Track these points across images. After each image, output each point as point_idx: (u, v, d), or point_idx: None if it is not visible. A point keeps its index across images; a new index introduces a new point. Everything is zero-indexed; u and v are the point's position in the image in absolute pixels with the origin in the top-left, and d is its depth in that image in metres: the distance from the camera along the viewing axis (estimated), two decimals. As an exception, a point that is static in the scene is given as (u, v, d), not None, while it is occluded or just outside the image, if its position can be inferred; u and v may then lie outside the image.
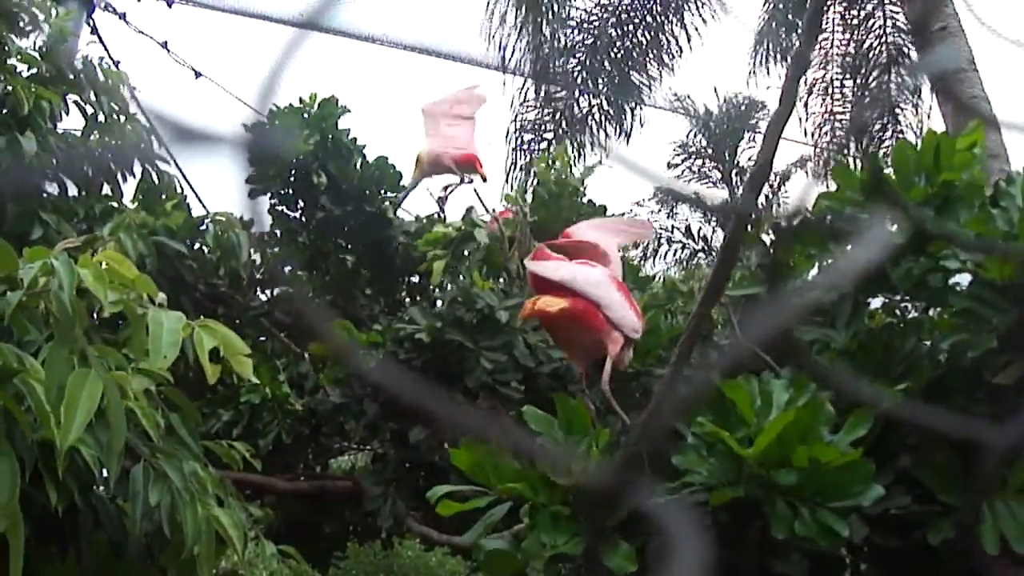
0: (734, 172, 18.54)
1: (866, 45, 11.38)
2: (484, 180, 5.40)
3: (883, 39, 11.25)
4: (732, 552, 2.51)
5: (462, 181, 5.45)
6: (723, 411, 2.53)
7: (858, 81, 11.85)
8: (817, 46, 11.47)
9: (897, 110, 11.87)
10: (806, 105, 12.17)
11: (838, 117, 12.18)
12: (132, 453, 2.65)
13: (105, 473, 2.54)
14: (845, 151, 12.29)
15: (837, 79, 11.97)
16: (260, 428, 4.89)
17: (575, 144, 11.53)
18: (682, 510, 2.53)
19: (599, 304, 3.15)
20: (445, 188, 5.65)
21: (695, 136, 19.01)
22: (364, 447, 5.21)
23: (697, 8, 11.82)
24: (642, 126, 12.37)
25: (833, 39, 11.63)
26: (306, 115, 5.29)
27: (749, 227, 3.17)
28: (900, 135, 11.65)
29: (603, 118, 11.80)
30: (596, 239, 3.66)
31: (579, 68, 11.66)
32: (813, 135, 12.40)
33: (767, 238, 3.57)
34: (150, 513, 2.59)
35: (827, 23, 11.32)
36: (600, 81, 11.77)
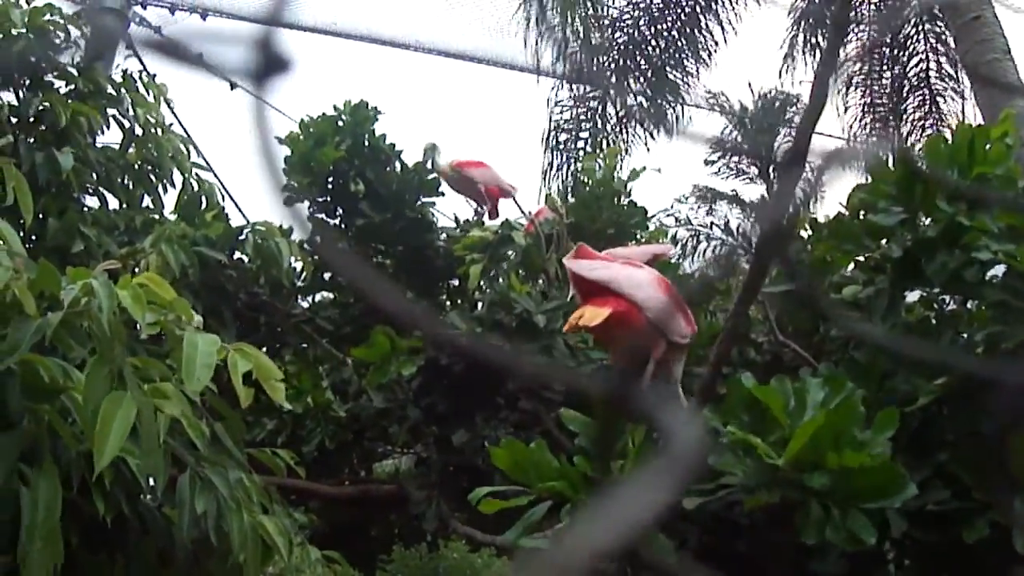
0: (771, 168, 18.39)
1: (903, 35, 11.27)
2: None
3: (920, 28, 11.14)
4: (769, 552, 2.51)
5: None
6: (758, 414, 2.53)
7: (896, 71, 11.74)
8: (854, 38, 11.38)
9: (939, 98, 11.73)
10: (846, 94, 12.07)
11: (877, 108, 12.06)
12: (178, 462, 2.70)
13: (152, 482, 2.58)
14: (884, 139, 12.15)
15: (875, 70, 11.86)
16: (304, 435, 4.95)
17: (613, 143, 11.48)
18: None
19: (640, 306, 3.02)
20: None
21: (731, 133, 18.88)
22: (407, 451, 5.23)
23: (731, 2, 11.74)
24: (687, 123, 12.34)
25: (869, 31, 11.52)
26: (340, 122, 5.32)
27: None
28: (941, 123, 11.51)
29: (641, 116, 11.75)
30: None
31: (613, 67, 11.61)
32: (851, 127, 12.29)
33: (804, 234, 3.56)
34: (197, 521, 2.63)
35: (863, 15, 11.22)
36: (637, 80, 11.72)
